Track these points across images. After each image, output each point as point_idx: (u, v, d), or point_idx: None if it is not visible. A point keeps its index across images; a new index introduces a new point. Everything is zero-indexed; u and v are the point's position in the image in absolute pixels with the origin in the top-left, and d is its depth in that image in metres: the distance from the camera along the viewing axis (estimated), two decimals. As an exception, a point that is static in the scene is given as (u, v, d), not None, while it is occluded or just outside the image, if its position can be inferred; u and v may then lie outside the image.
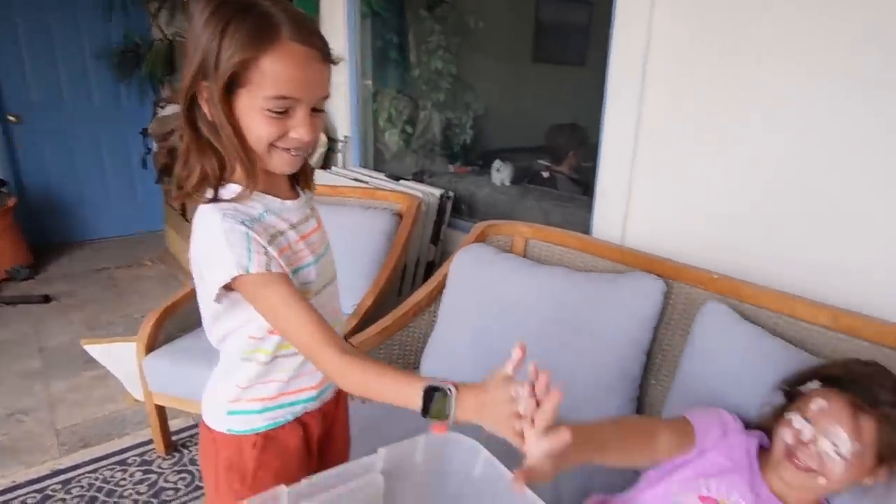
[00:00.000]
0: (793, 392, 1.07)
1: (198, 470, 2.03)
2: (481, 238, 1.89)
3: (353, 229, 2.21)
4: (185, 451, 2.13)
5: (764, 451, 1.08)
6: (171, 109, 3.95)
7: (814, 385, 1.03)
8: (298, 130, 0.85)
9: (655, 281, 1.52)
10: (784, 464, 1.01)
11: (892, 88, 1.32)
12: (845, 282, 1.44)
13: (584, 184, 2.80)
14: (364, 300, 1.99)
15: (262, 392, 0.98)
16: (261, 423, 0.99)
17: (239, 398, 0.99)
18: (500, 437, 0.76)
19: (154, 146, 4.20)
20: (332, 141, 3.27)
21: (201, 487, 1.95)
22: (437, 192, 2.67)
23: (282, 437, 1.01)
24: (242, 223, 0.85)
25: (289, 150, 0.87)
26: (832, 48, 1.39)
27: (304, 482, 0.92)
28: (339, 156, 3.31)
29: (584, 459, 0.94)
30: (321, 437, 1.08)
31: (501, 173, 2.90)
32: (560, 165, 2.99)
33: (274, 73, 0.80)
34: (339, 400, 1.13)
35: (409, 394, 0.80)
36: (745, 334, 1.31)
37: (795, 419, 1.00)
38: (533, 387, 0.75)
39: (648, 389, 1.55)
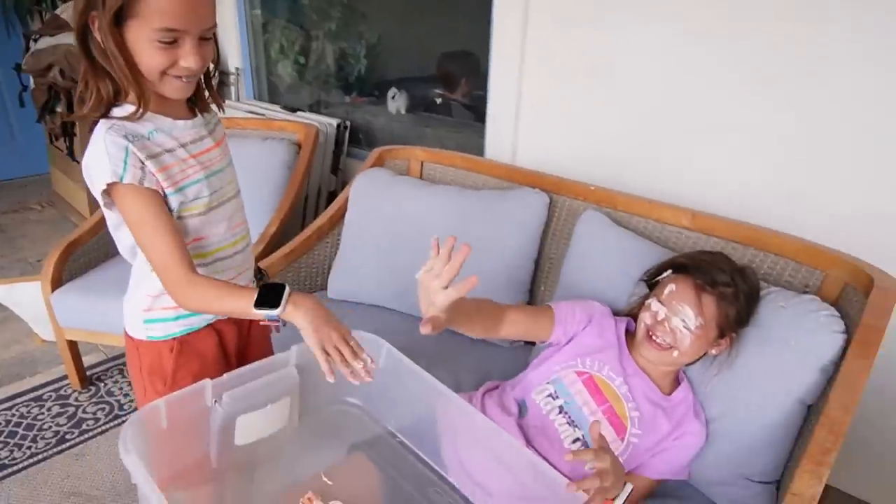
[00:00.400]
0: (653, 282, 1.21)
1: (116, 401, 2.01)
2: (379, 163, 1.91)
3: (253, 160, 2.16)
4: (101, 385, 2.09)
5: (631, 334, 1.22)
6: (45, 42, 3.60)
7: (668, 274, 1.16)
8: (187, 59, 0.87)
9: (539, 195, 1.60)
10: (645, 343, 1.14)
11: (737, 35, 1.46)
12: (703, 189, 1.61)
13: (478, 110, 2.87)
14: (268, 228, 1.97)
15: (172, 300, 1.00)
16: (176, 329, 1.04)
17: (151, 307, 1.03)
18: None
19: (31, 82, 3.85)
20: (223, 74, 3.13)
21: (121, 416, 1.94)
22: (334, 121, 2.65)
23: (197, 341, 1.06)
24: (125, 137, 0.88)
25: (180, 77, 0.90)
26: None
27: (226, 375, 0.98)
28: (232, 89, 3.19)
29: (456, 324, 1.05)
30: (238, 346, 1.14)
31: (397, 101, 2.89)
32: (453, 93, 3.02)
33: (158, 6, 0.81)
34: None
35: (245, 296, 0.89)
36: (618, 237, 1.42)
37: (653, 303, 1.13)
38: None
39: (538, 294, 1.67)
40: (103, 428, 1.91)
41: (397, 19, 3.57)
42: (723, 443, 1.13)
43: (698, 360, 1.17)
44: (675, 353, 1.11)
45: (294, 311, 0.89)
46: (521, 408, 1.18)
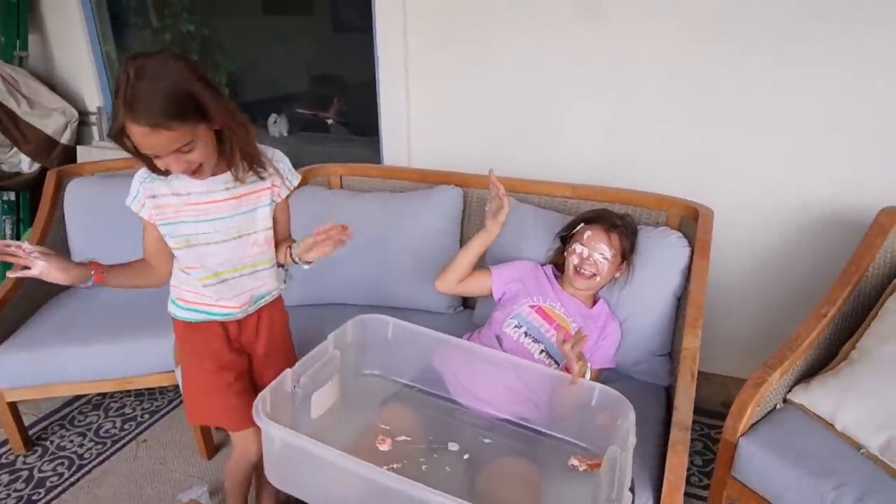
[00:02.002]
0: (567, 235, 1.68)
1: (74, 453, 2.04)
2: (304, 182, 2.20)
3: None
4: (48, 442, 2.09)
5: (556, 274, 1.69)
6: None
7: (581, 226, 1.63)
8: (171, 167, 1.16)
9: (455, 189, 2.01)
10: (574, 278, 1.60)
11: (577, 44, 2.00)
12: (575, 163, 2.15)
13: (355, 125, 3.21)
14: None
15: (185, 295, 1.37)
16: (185, 314, 1.39)
17: (175, 295, 1.39)
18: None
19: None
20: (83, 115, 3.10)
21: (85, 464, 1.98)
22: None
23: (200, 328, 1.40)
24: (144, 177, 1.25)
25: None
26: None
27: (297, 366, 1.27)
28: (94, 129, 3.16)
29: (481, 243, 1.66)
30: (248, 338, 1.45)
31: (279, 125, 3.13)
32: (328, 112, 3.32)
33: (133, 137, 1.09)
34: (262, 315, 1.45)
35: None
36: (525, 212, 1.89)
37: (577, 247, 1.60)
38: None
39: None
40: (72, 480, 1.93)
41: (261, 46, 3.73)
42: (633, 334, 1.64)
43: (607, 283, 1.66)
44: (598, 279, 1.59)
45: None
46: (499, 340, 1.59)
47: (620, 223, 1.61)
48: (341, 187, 2.22)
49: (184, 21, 3.26)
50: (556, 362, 1.55)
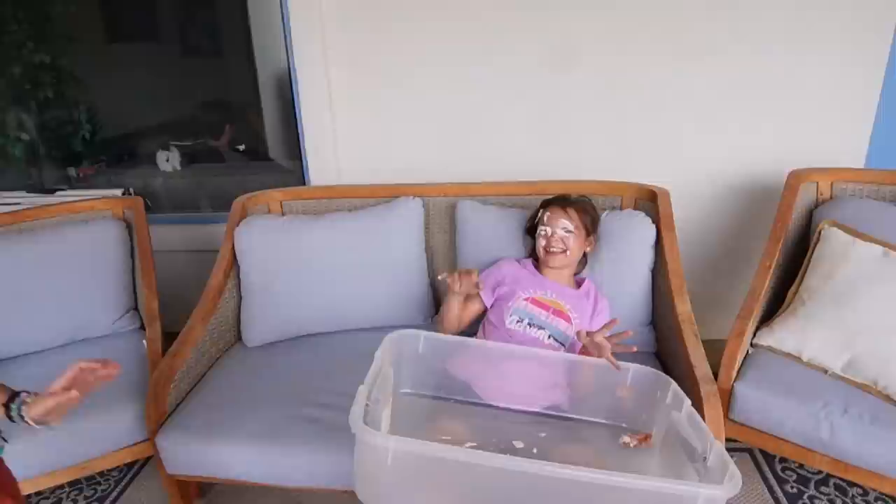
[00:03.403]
0: (533, 225, 1.76)
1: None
2: (242, 213, 2.04)
3: (86, 248, 2.03)
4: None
5: (535, 264, 1.76)
6: None
7: (540, 211, 1.73)
8: None
9: (415, 200, 1.99)
10: (547, 258, 1.68)
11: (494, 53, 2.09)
12: (510, 165, 2.22)
13: (255, 151, 3.02)
14: (150, 303, 1.94)
15: None
16: None
17: None
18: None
19: None
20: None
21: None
22: (118, 191, 2.53)
23: None
24: None
25: None
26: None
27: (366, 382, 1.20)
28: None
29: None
30: None
31: (171, 161, 2.85)
32: (220, 140, 3.09)
33: None
34: None
35: None
36: (489, 212, 1.93)
37: (541, 229, 1.69)
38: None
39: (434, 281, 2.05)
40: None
41: (110, 78, 3.36)
42: (618, 308, 1.74)
43: (584, 260, 1.76)
44: (568, 253, 1.68)
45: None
46: (510, 336, 1.61)
47: (576, 200, 1.74)
48: (282, 213, 2.09)
49: (30, 52, 2.84)
50: (562, 344, 1.62)
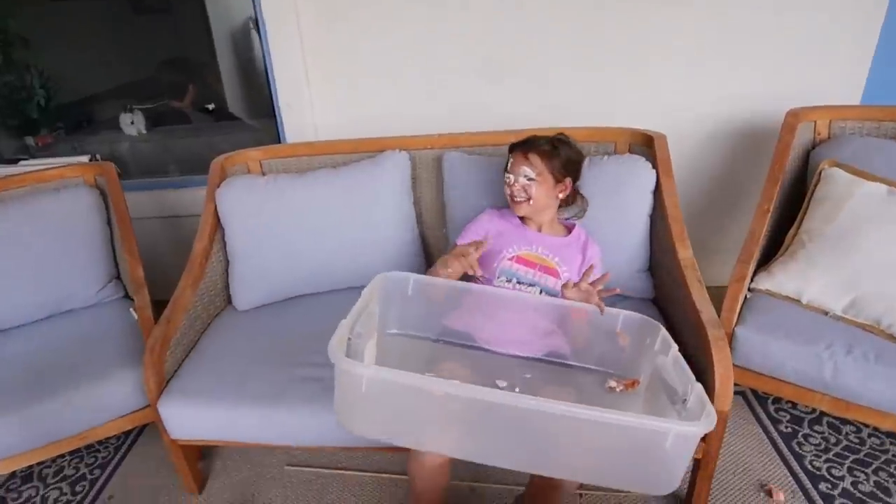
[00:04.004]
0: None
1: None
2: (221, 174, 1.94)
3: (60, 217, 1.93)
4: None
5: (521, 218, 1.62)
6: None
7: (508, 156, 1.59)
8: None
9: (402, 154, 1.91)
10: (514, 207, 1.56)
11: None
12: (502, 112, 2.14)
13: (221, 111, 2.89)
14: (135, 271, 1.86)
15: None
16: None
17: None
18: None
19: None
20: None
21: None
22: (85, 158, 2.40)
23: None
24: None
25: None
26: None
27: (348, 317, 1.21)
28: None
29: None
30: None
31: (136, 123, 2.70)
32: (184, 101, 2.94)
33: None
34: None
35: None
36: (477, 163, 1.86)
37: (505, 176, 1.57)
38: None
39: (425, 232, 2.00)
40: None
41: (59, 38, 3.16)
42: (617, 255, 1.71)
43: (579, 203, 1.66)
44: (531, 202, 1.53)
45: None
46: None
47: (542, 143, 1.56)
48: (262, 173, 2.00)
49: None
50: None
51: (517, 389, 1.34)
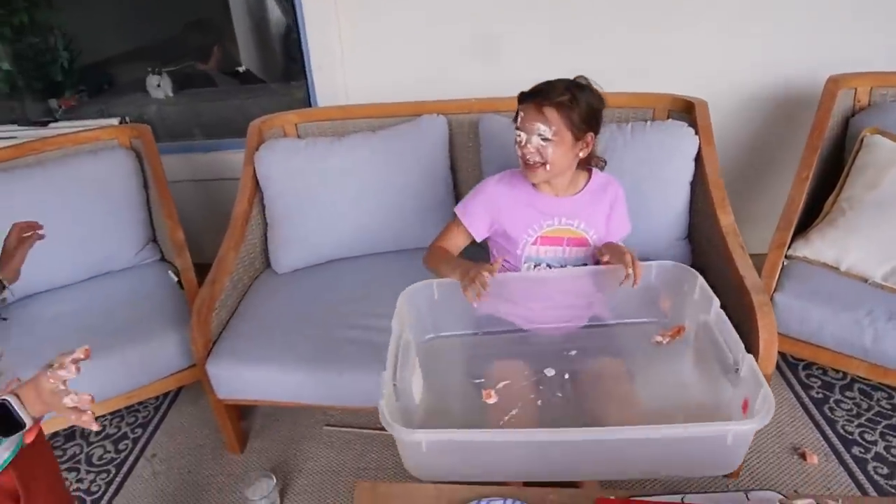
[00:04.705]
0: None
1: (79, 490, 1.70)
2: (259, 137, 1.92)
3: (98, 179, 1.92)
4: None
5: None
6: None
7: (519, 107, 1.33)
8: None
9: (440, 118, 1.88)
10: (526, 171, 1.33)
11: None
12: (535, 76, 2.09)
13: (247, 74, 2.84)
14: (174, 233, 1.86)
15: None
16: None
17: None
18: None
19: None
20: None
21: (100, 502, 1.67)
22: (115, 120, 2.37)
23: None
24: None
25: None
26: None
27: (387, 362, 1.16)
28: None
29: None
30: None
31: (163, 86, 2.66)
32: (209, 63, 2.89)
33: None
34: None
35: None
36: (511, 127, 1.84)
37: (516, 135, 1.31)
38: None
39: (461, 198, 1.96)
40: None
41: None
42: (656, 223, 1.70)
43: (578, 165, 1.40)
44: (548, 167, 1.30)
45: (34, 412, 0.85)
46: None
47: (560, 93, 1.28)
48: (298, 136, 1.97)
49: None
50: (585, 265, 1.46)
51: (566, 376, 1.31)
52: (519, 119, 1.32)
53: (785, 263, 1.69)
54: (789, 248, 1.71)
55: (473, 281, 1.23)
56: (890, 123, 1.72)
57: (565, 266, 1.44)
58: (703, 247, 1.72)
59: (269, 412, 1.89)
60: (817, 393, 1.84)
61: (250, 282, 1.85)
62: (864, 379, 1.83)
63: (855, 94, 1.84)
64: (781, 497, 1.01)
